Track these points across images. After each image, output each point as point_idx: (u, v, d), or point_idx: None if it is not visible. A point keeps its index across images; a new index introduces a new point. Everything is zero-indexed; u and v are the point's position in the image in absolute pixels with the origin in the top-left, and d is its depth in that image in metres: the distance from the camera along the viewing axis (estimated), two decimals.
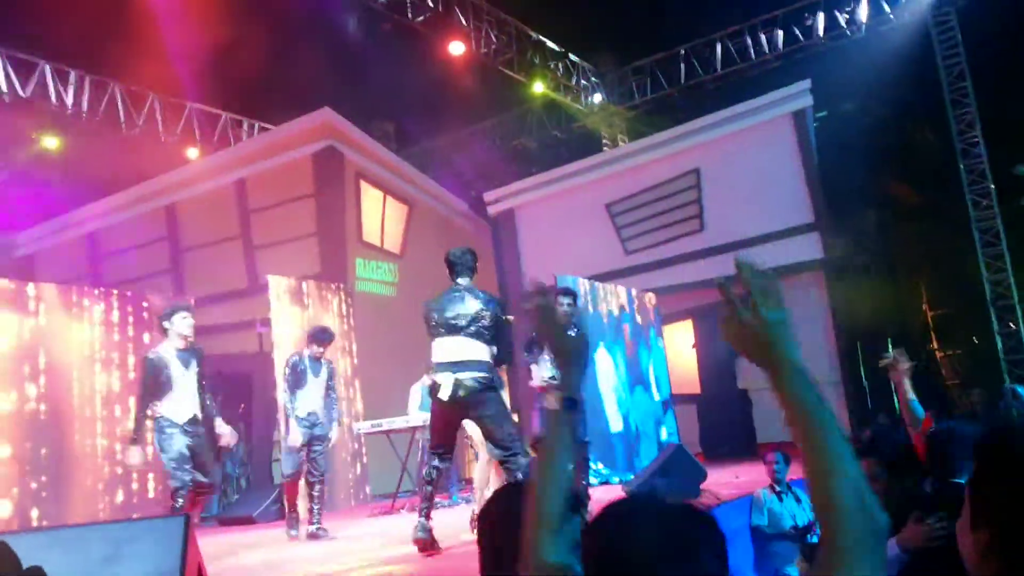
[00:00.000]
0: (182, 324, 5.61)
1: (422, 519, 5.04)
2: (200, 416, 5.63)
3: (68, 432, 8.49)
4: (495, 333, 5.02)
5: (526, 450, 4.97)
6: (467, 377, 4.90)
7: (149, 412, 5.56)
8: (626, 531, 1.24)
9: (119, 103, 13.17)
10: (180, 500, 5.33)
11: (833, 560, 1.11)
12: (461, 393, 4.89)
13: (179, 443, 5.43)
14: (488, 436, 5.03)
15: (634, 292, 11.39)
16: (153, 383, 5.48)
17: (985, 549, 1.25)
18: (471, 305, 5.02)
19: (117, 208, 13.53)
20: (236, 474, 11.27)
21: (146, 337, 9.32)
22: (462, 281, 5.18)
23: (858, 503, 1.12)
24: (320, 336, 7.07)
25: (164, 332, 5.64)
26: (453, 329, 5.01)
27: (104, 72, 12.91)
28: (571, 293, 6.45)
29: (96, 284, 10.83)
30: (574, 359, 1.59)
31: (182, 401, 5.53)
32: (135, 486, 8.90)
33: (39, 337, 8.45)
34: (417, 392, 8.58)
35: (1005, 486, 1.26)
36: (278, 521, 8.68)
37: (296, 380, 6.80)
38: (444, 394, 4.93)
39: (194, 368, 5.66)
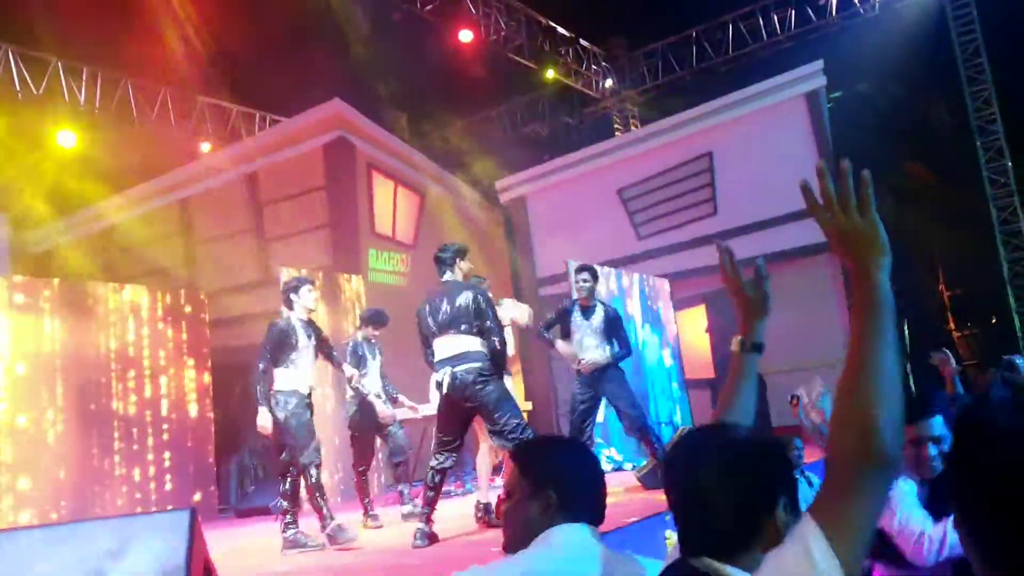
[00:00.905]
0: (308, 297, 5.79)
1: (422, 525, 5.07)
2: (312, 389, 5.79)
3: (84, 428, 8.58)
4: (481, 323, 5.05)
5: (531, 436, 4.98)
6: (462, 369, 4.97)
7: (269, 382, 5.65)
8: (698, 457, 1.43)
9: (131, 98, 13.24)
10: (314, 472, 5.45)
11: (848, 475, 1.15)
12: (457, 383, 4.96)
13: (306, 415, 5.58)
14: (489, 425, 5.05)
15: (647, 278, 11.35)
16: (277, 348, 5.60)
17: (968, 550, 1.01)
18: (455, 301, 5.08)
19: (132, 203, 13.63)
20: (253, 465, 11.37)
21: (160, 331, 9.40)
22: (446, 278, 5.26)
23: (892, 421, 1.15)
24: (376, 318, 7.18)
25: (290, 304, 5.79)
26: (444, 327, 5.09)
27: (115, 68, 12.98)
28: (588, 269, 6.63)
29: (112, 279, 10.93)
30: (764, 310, 1.83)
31: (304, 371, 5.69)
32: (152, 470, 8.99)
33: (56, 333, 8.54)
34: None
35: (972, 477, 1.02)
36: None
37: (357, 363, 6.84)
38: (443, 386, 5.03)
39: (314, 340, 5.82)
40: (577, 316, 6.55)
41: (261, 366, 5.63)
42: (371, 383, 6.93)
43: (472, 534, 5.49)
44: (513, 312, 6.24)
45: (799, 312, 11.81)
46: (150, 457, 9.04)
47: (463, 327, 5.03)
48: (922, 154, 13.20)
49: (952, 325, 13.48)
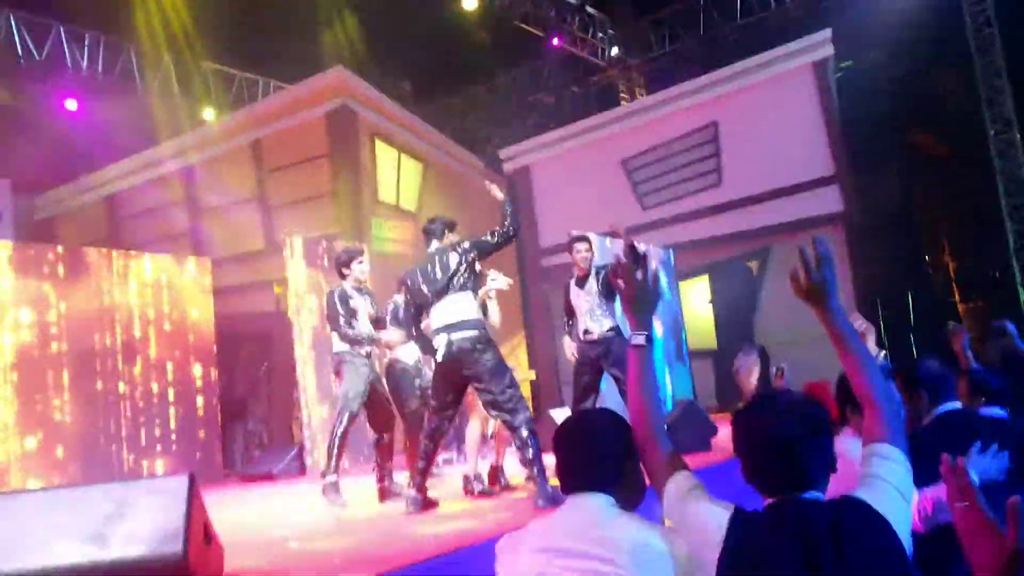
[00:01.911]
0: (358, 269, 5.98)
1: (412, 492, 5.12)
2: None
3: (90, 392, 8.66)
4: (472, 270, 5.08)
5: (526, 406, 4.98)
6: (458, 337, 4.94)
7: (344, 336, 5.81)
8: (775, 413, 1.78)
9: (134, 64, 13.18)
10: (344, 424, 5.66)
11: (878, 421, 1.85)
12: (454, 350, 4.94)
13: (363, 376, 5.79)
14: (483, 395, 5.04)
15: (651, 247, 11.33)
16: (338, 313, 5.80)
17: None
18: (446, 262, 5.06)
19: (135, 170, 13.63)
20: (258, 430, 11.48)
21: (165, 297, 9.45)
22: (433, 245, 5.26)
23: (884, 384, 1.89)
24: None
25: (342, 276, 6.00)
26: (438, 293, 5.05)
27: (118, 34, 12.90)
28: (583, 238, 6.45)
29: (116, 247, 10.97)
30: (647, 308, 2.09)
31: (373, 343, 5.92)
32: (158, 431, 9.08)
33: (60, 300, 8.59)
34: None
35: None
36: (298, 477, 8.87)
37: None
38: (439, 354, 5.00)
39: (368, 303, 6.04)
40: (574, 289, 6.43)
41: (343, 331, 5.81)
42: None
43: (466, 502, 5.54)
44: (498, 283, 6.11)
45: None
46: (156, 422, 9.12)
47: (459, 285, 5.02)
48: (930, 125, 13.07)
49: (957, 296, 13.43)
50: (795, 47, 12.58)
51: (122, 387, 8.94)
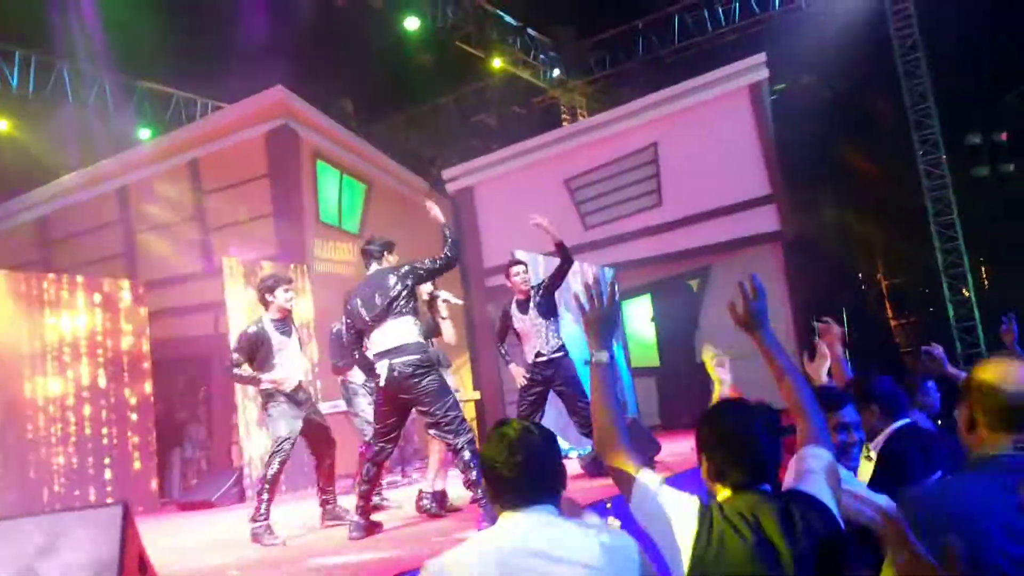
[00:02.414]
0: (283, 297, 5.77)
1: (357, 518, 5.07)
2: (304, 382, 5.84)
3: (20, 420, 8.36)
4: (412, 296, 5.03)
5: (468, 428, 4.96)
6: (399, 362, 4.91)
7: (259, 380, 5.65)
8: (741, 415, 2.02)
9: (67, 83, 12.86)
10: (275, 468, 5.48)
11: (808, 427, 2.10)
12: (395, 375, 4.91)
13: (288, 416, 5.61)
14: (425, 418, 5.02)
15: (594, 268, 11.42)
16: (253, 355, 5.63)
17: None
18: (385, 286, 5.01)
19: (67, 191, 13.26)
20: (196, 457, 11.21)
21: (99, 322, 9.19)
22: (372, 267, 5.22)
23: (811, 395, 2.15)
24: None
25: (265, 304, 5.79)
26: (377, 318, 5.00)
27: (50, 51, 12.59)
28: (519, 263, 6.53)
29: (47, 269, 10.65)
30: (608, 328, 2.29)
31: (286, 370, 5.67)
32: (91, 460, 8.79)
33: None
34: None
35: None
36: (237, 504, 8.67)
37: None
38: (382, 380, 4.97)
39: (294, 336, 5.88)
40: (516, 313, 6.44)
41: (235, 370, 5.66)
42: None
43: (413, 524, 5.49)
44: (449, 298, 6.13)
45: None
46: (89, 448, 8.84)
47: (397, 309, 4.96)
48: (861, 146, 13.49)
49: (890, 313, 13.83)
50: (731, 70, 12.86)
51: (54, 412, 8.64)
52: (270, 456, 5.58)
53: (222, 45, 12.81)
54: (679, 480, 5.98)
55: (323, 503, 5.96)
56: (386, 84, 14.90)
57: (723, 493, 1.99)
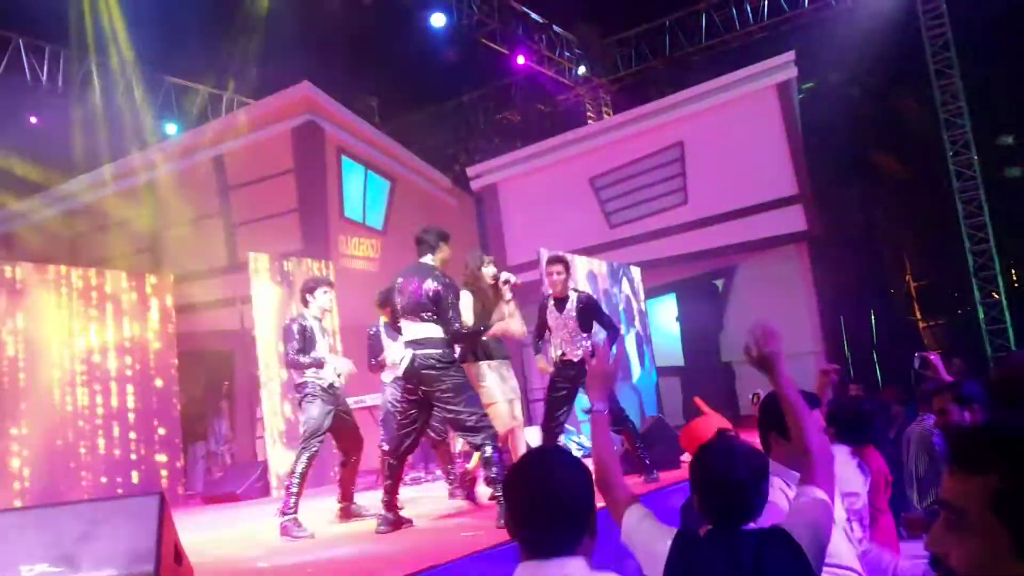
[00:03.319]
0: (323, 298, 5.94)
1: (384, 513, 5.06)
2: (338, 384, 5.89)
3: (48, 412, 8.41)
4: (439, 311, 4.97)
5: (490, 425, 4.92)
6: (422, 354, 4.90)
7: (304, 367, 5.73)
8: (729, 460, 2.11)
9: (95, 78, 12.95)
10: (304, 463, 5.49)
11: (810, 467, 2.16)
12: (416, 365, 4.90)
13: (322, 411, 5.65)
14: (446, 414, 4.99)
15: (623, 267, 11.37)
16: (301, 343, 5.72)
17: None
18: (419, 287, 5.00)
19: (95, 185, 13.35)
20: (219, 451, 11.25)
21: (124, 315, 9.24)
22: (424, 260, 5.17)
23: (820, 438, 2.25)
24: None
25: (306, 303, 5.95)
26: (405, 311, 5.04)
27: (79, 47, 12.68)
28: (560, 260, 6.40)
29: (74, 263, 10.72)
30: (609, 385, 2.42)
31: (324, 366, 5.78)
32: (117, 452, 8.84)
33: (19, 316, 8.35)
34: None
35: None
36: (263, 497, 8.69)
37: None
38: (401, 368, 4.98)
39: (327, 337, 6.05)
40: (552, 310, 6.40)
41: (299, 359, 5.72)
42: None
43: (442, 518, 5.46)
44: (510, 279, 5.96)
45: (768, 300, 11.93)
46: (116, 442, 8.88)
47: (423, 315, 4.96)
48: (891, 146, 13.34)
49: (918, 315, 13.67)
50: (759, 68, 12.76)
51: (82, 404, 8.70)
52: (300, 451, 5.58)
53: (249, 41, 12.87)
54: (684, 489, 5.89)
55: (342, 500, 5.97)
56: (411, 81, 14.89)
57: (706, 527, 2.12)
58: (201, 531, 6.28)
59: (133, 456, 8.99)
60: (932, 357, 4.39)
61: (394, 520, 5.06)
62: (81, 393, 8.73)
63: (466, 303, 5.65)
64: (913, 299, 13.68)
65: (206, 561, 4.57)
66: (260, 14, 13.21)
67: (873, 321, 12.76)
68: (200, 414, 11.61)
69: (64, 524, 3.06)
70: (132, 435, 9.03)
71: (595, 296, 7.24)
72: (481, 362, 5.67)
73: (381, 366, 6.78)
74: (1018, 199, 12.70)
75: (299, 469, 5.49)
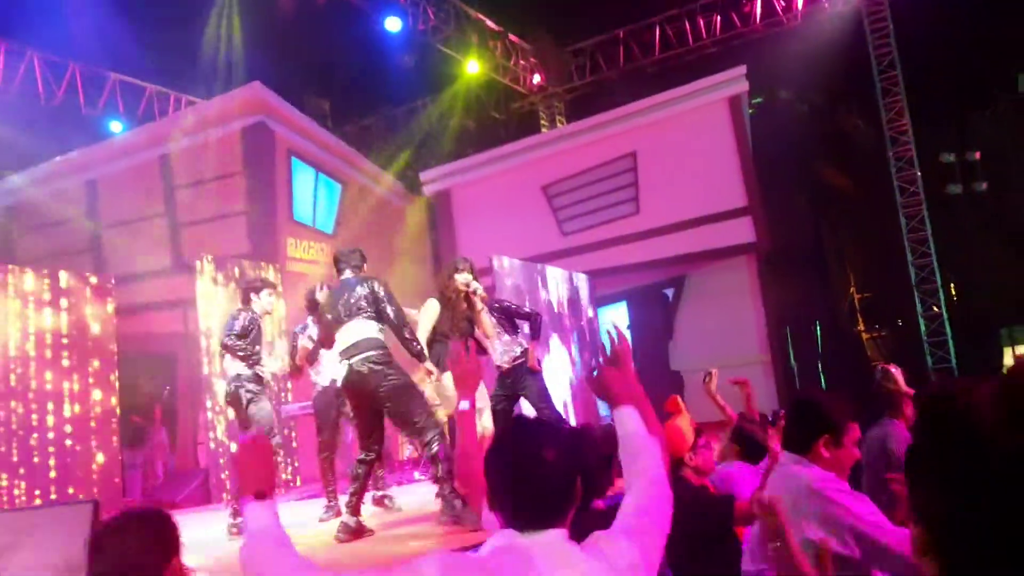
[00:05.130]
0: (267, 300, 6.00)
1: (347, 516, 4.99)
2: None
3: None
4: (377, 308, 5.02)
5: (436, 423, 4.90)
6: (357, 360, 4.89)
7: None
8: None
9: (37, 73, 12.58)
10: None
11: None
12: (354, 377, 4.88)
13: (269, 406, 5.77)
14: (390, 415, 4.97)
15: (572, 275, 11.38)
16: (257, 337, 5.78)
17: (923, 546, 1.12)
18: (353, 293, 5.06)
19: (34, 183, 12.93)
20: (159, 456, 10.97)
21: (63, 316, 8.95)
22: (346, 276, 5.24)
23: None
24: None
25: (248, 301, 5.96)
26: (340, 319, 5.04)
27: (21, 40, 12.31)
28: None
29: (11, 262, 10.35)
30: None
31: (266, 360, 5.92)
32: (53, 461, 8.54)
33: None
34: None
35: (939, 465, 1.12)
36: (203, 504, 8.48)
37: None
38: (340, 381, 5.02)
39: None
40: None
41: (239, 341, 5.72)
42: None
43: (392, 526, 5.37)
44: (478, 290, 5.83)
45: (718, 311, 12.05)
46: (51, 450, 8.58)
47: (363, 314, 4.99)
48: (837, 161, 13.61)
49: (862, 326, 13.93)
50: (711, 82, 12.88)
51: (13, 415, 8.38)
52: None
53: (198, 40, 12.64)
54: None
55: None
56: (365, 84, 14.77)
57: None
58: None
59: (68, 462, 8.68)
60: (892, 369, 4.49)
61: (355, 528, 4.97)
62: (15, 397, 8.41)
63: (430, 312, 5.60)
64: (857, 311, 13.95)
65: None
66: (212, 12, 13.00)
67: (818, 332, 12.97)
68: (139, 419, 11.29)
69: None
70: (68, 442, 8.73)
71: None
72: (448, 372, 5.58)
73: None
74: (959, 215, 13.04)
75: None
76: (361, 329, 4.94)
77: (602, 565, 1.62)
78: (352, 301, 5.01)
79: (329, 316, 5.09)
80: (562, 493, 1.69)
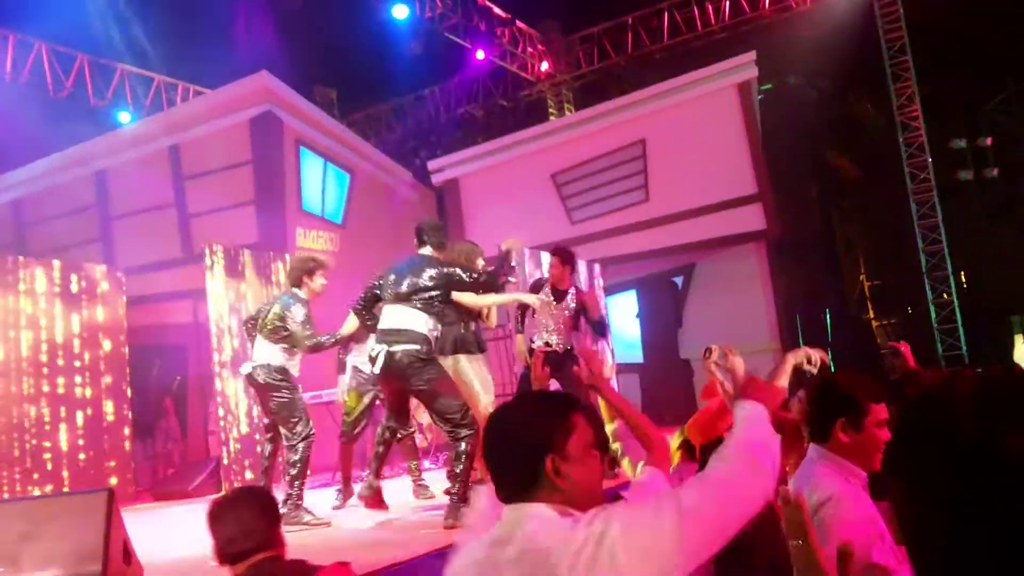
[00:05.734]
0: (319, 283, 5.81)
1: (370, 477, 5.25)
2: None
3: None
4: (443, 301, 4.93)
5: (472, 423, 4.85)
6: (399, 350, 4.79)
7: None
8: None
9: (46, 64, 12.59)
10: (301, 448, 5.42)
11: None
12: (392, 365, 4.81)
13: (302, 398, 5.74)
14: (428, 410, 5.01)
15: (583, 263, 11.36)
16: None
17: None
18: (422, 276, 4.91)
19: (44, 174, 12.97)
20: (170, 446, 11.03)
21: (74, 307, 8.98)
22: (423, 251, 5.11)
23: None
24: None
25: (300, 284, 5.78)
26: (397, 297, 4.93)
27: (29, 31, 12.32)
28: (556, 254, 6.35)
29: (21, 253, 10.38)
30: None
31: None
32: (66, 447, 8.59)
33: None
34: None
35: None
36: (215, 493, 8.50)
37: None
38: (377, 366, 4.87)
39: None
40: (549, 293, 6.32)
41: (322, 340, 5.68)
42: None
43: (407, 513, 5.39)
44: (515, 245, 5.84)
45: (727, 299, 12.02)
46: (63, 440, 8.62)
47: (417, 304, 4.86)
48: (848, 148, 13.53)
49: (871, 313, 13.89)
50: (720, 68, 12.80)
51: (26, 404, 8.41)
52: (302, 439, 5.43)
53: (206, 30, 12.63)
54: None
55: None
56: (371, 73, 14.74)
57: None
58: (152, 529, 6.12)
59: (81, 456, 8.72)
60: (902, 347, 4.48)
61: (375, 491, 5.25)
62: (26, 388, 8.45)
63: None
64: (867, 298, 13.90)
65: (156, 560, 4.44)
66: (218, 2, 12.99)
67: (828, 319, 12.93)
68: (150, 409, 11.34)
69: (7, 522, 2.93)
70: (80, 431, 8.77)
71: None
72: (460, 355, 5.54)
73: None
74: (971, 202, 12.97)
75: (303, 458, 5.43)
76: (410, 319, 4.84)
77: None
78: (417, 285, 4.88)
79: (389, 280, 4.99)
80: (517, 465, 1.60)
